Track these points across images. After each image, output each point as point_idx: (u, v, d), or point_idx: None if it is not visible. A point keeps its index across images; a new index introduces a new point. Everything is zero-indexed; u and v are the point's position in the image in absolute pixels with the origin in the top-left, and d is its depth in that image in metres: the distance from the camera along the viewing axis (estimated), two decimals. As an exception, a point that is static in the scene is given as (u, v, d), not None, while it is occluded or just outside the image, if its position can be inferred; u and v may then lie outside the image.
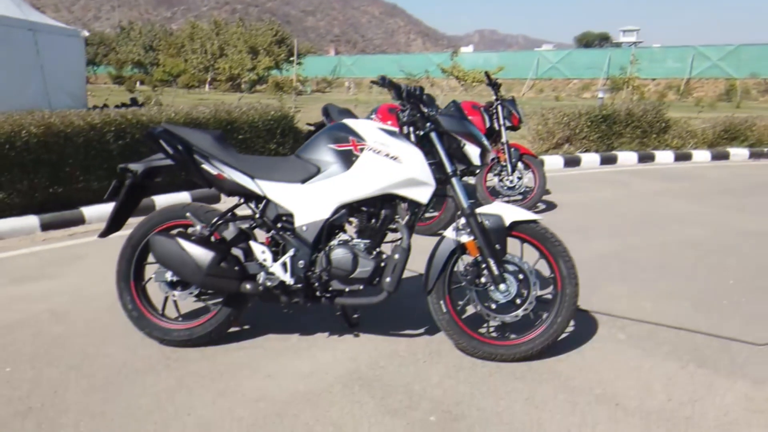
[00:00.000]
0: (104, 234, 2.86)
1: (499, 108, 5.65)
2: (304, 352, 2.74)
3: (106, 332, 2.91)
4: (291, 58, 47.83)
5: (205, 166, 2.66)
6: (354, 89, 40.62)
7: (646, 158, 8.79)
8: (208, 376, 2.53)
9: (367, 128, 2.62)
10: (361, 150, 2.59)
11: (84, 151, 5.11)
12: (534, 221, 2.65)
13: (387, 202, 2.65)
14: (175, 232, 2.71)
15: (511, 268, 2.64)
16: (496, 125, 5.64)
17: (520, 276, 2.63)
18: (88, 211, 5.09)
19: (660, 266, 4.02)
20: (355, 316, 2.95)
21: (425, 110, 2.66)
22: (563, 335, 2.88)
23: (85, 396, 2.36)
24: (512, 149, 5.58)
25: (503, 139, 5.57)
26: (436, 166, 2.63)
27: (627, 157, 8.72)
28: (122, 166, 2.76)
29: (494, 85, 5.70)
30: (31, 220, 4.84)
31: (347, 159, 2.61)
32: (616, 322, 3.07)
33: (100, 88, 31.43)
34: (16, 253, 4.35)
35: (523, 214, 2.64)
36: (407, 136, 2.66)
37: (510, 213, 2.62)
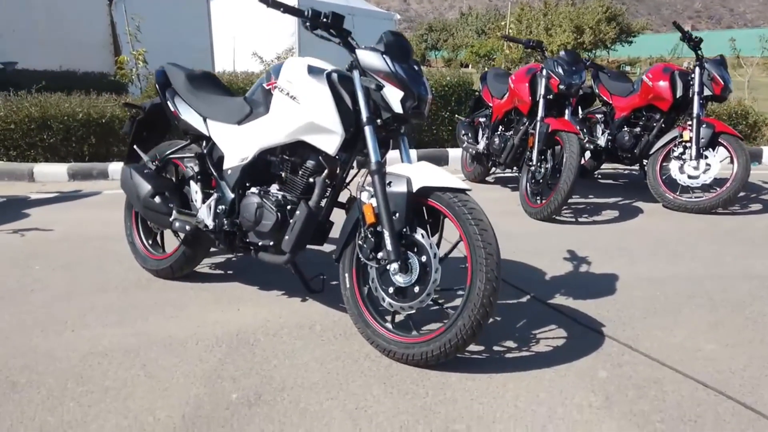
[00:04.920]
0: (126, 162, 3.17)
1: (697, 71, 4.31)
2: (249, 304, 2.61)
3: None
4: (623, 36, 44.33)
5: (169, 104, 2.72)
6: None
7: None
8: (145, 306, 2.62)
9: (290, 64, 2.30)
10: (274, 89, 2.30)
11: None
12: (460, 190, 1.99)
13: (312, 151, 2.31)
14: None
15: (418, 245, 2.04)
16: (691, 93, 4.34)
17: (423, 258, 2.02)
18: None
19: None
20: (320, 277, 2.67)
21: (351, 42, 2.20)
22: (538, 348, 2.16)
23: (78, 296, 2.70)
24: (704, 126, 4.21)
25: (694, 112, 4.24)
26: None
27: None
28: (128, 103, 3.01)
29: (690, 40, 4.34)
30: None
31: (267, 99, 2.35)
32: (625, 356, 2.12)
33: (431, 71, 33.89)
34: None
35: (443, 180, 2.00)
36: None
37: (424, 176, 2.02)
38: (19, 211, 4.31)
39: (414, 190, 2.01)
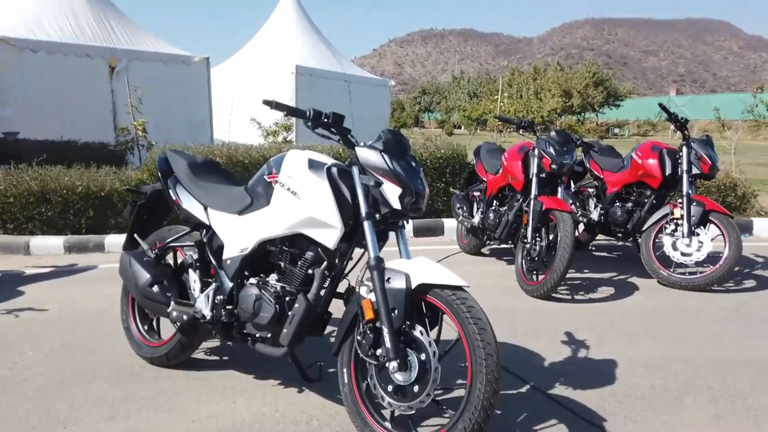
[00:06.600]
0: (125, 248, 3.18)
1: (684, 150, 4.43)
2: (244, 395, 2.58)
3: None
4: (610, 100, 45.46)
5: (171, 192, 2.75)
6: (679, 133, 36.35)
7: None
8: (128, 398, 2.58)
9: (291, 158, 2.36)
10: (275, 183, 2.35)
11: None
12: (458, 287, 2.01)
13: (312, 243, 2.34)
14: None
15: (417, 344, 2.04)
16: (679, 172, 4.44)
17: (423, 356, 2.01)
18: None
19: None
20: (317, 365, 2.64)
21: (351, 139, 2.28)
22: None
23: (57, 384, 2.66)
24: (694, 204, 4.29)
25: (684, 191, 4.32)
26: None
27: None
28: (130, 188, 3.05)
29: (675, 121, 4.49)
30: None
31: (268, 192, 2.40)
32: (627, 456, 2.09)
33: (426, 132, 34.44)
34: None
35: (442, 277, 2.02)
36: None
37: (423, 272, 2.04)
38: (13, 288, 4.28)
39: (413, 287, 2.03)
